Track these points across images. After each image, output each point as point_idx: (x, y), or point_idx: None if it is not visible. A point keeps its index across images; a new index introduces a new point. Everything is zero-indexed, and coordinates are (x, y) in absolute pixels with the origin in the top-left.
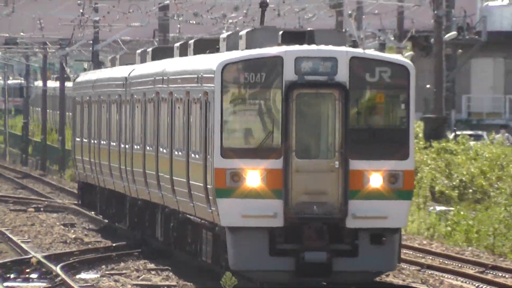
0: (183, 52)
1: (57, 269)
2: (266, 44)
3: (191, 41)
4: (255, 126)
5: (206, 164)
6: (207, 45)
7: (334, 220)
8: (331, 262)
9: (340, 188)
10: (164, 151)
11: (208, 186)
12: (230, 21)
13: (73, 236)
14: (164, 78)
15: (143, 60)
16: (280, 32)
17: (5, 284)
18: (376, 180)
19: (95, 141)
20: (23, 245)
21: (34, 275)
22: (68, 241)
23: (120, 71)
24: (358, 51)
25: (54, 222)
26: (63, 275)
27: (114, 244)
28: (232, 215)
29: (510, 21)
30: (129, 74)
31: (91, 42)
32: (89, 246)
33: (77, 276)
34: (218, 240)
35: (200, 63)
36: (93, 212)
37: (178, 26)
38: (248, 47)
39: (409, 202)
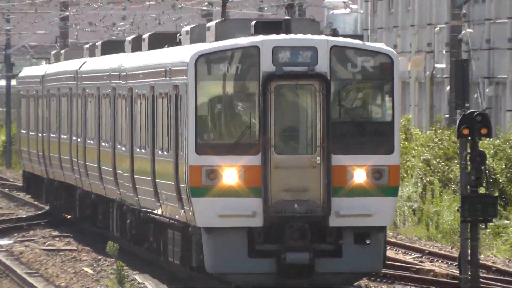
0: (136, 47)
1: None
2: (238, 35)
3: (146, 35)
4: (232, 120)
5: (177, 161)
6: (163, 40)
7: (317, 218)
8: (314, 263)
9: (323, 184)
10: (123, 148)
11: (181, 185)
12: (119, 28)
13: None
14: (122, 73)
15: (91, 54)
16: (253, 22)
17: None
18: (360, 176)
19: (44, 134)
20: None
21: None
22: None
23: (69, 65)
24: (339, 39)
25: None
26: None
27: (25, 215)
28: (209, 215)
29: (351, 27)
30: (80, 67)
31: (3, 47)
32: (4, 217)
33: None
34: (190, 241)
35: (168, 56)
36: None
37: (76, 33)
38: (218, 39)
39: (395, 199)
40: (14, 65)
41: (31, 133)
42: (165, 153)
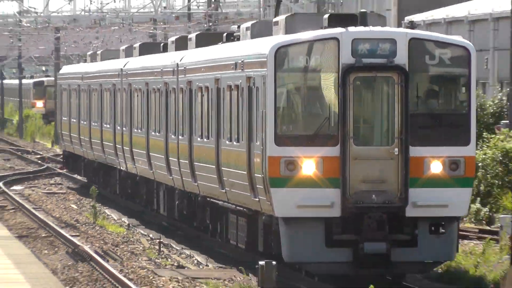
0: (181, 46)
1: (1, 184)
2: (307, 29)
3: (192, 35)
4: (310, 112)
5: (251, 151)
6: (210, 38)
7: (394, 209)
8: (390, 252)
9: (400, 176)
10: (181, 137)
11: (256, 175)
12: (94, 45)
13: (9, 165)
14: (180, 68)
15: (129, 55)
16: (326, 15)
17: None
18: (436, 167)
19: (85, 122)
20: None
21: None
22: (5, 169)
23: (112, 64)
24: (418, 32)
25: (3, 160)
26: (3, 187)
27: (32, 169)
28: (287, 205)
29: None
30: (124, 66)
31: (17, 57)
32: (17, 171)
33: (11, 188)
34: (257, 228)
35: (238, 49)
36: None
37: (65, 48)
38: (287, 32)
39: (470, 189)
40: (24, 69)
41: (72, 120)
42: (234, 143)
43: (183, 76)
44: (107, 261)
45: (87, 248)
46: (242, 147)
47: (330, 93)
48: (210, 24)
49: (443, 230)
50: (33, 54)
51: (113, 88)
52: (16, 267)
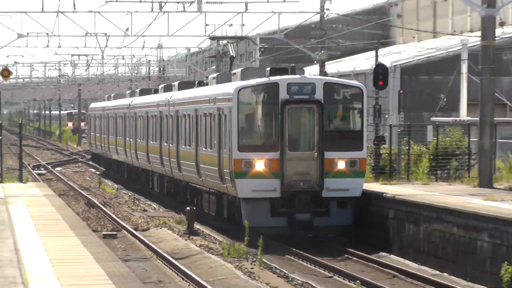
0: (168, 89)
1: (49, 167)
2: (256, 77)
3: (175, 83)
4: (260, 130)
5: (220, 155)
6: (186, 85)
7: (314, 192)
8: (312, 220)
9: (318, 170)
10: (171, 145)
11: (225, 170)
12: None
13: (53, 156)
14: (170, 103)
15: (132, 95)
16: (268, 68)
17: (34, 171)
18: (341, 165)
19: (104, 135)
20: (38, 158)
21: (43, 169)
22: (51, 159)
23: (123, 101)
24: (329, 78)
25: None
26: (50, 168)
27: (66, 159)
28: (246, 190)
29: None
30: (131, 102)
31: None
32: (58, 160)
33: (55, 169)
34: (223, 203)
35: (213, 90)
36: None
37: (84, 94)
38: (243, 79)
39: (363, 179)
40: (61, 106)
41: (97, 134)
42: (208, 149)
43: (172, 107)
44: (106, 207)
45: (95, 200)
46: (214, 152)
47: (273, 117)
48: (161, 81)
49: (346, 205)
50: (66, 98)
51: (123, 115)
52: (57, 211)
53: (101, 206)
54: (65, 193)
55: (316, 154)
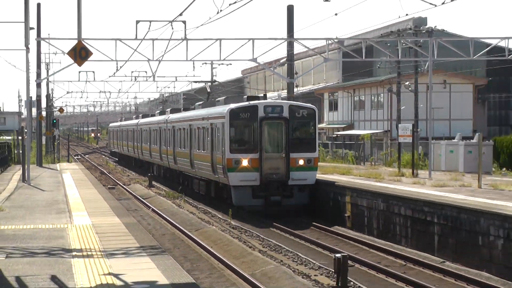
0: (162, 113)
1: (82, 155)
2: (235, 102)
3: (168, 110)
4: (245, 138)
5: (212, 155)
6: (176, 110)
7: (283, 181)
8: (281, 201)
9: (285, 166)
10: (169, 147)
11: (218, 165)
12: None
13: (84, 150)
14: (168, 121)
15: (137, 117)
16: (245, 96)
17: (75, 157)
18: (301, 162)
19: (120, 141)
20: (76, 150)
21: (79, 156)
22: (81, 151)
23: (132, 122)
24: (293, 102)
25: (83, 148)
26: (81, 155)
27: (90, 151)
28: (235, 180)
29: None
30: (138, 122)
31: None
32: (85, 152)
33: (85, 156)
34: (210, 186)
35: (205, 111)
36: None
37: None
38: (226, 103)
39: (316, 172)
40: (88, 125)
41: (115, 140)
42: (202, 151)
43: (170, 124)
44: (110, 174)
45: (104, 171)
46: (207, 152)
47: (254, 130)
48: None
49: (304, 190)
50: (90, 122)
51: (133, 129)
52: (85, 176)
53: (107, 174)
54: (89, 168)
55: (284, 155)
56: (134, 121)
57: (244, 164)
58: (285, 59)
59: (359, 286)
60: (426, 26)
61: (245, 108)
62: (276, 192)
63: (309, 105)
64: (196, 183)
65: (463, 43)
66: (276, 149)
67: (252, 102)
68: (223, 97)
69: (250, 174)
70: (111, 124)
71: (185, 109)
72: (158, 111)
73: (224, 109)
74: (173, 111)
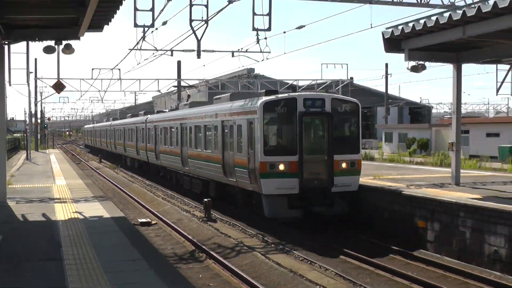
0: (148, 113)
1: (62, 144)
2: (245, 99)
3: (157, 111)
4: (282, 137)
5: (249, 158)
6: (198, 104)
7: (326, 188)
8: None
9: (328, 170)
10: (150, 144)
11: (240, 169)
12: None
13: (63, 142)
14: (148, 121)
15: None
16: (263, 90)
17: (57, 146)
18: (344, 165)
19: (107, 139)
20: (60, 142)
21: (59, 145)
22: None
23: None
24: (335, 94)
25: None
26: (62, 145)
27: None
28: (270, 188)
29: None
30: (111, 122)
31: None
32: (65, 142)
33: (63, 145)
34: (254, 198)
35: (218, 107)
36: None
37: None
38: (232, 100)
39: (359, 176)
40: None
41: (91, 137)
42: (238, 152)
43: (150, 124)
44: (77, 156)
45: (74, 153)
46: (215, 153)
47: (292, 127)
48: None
49: (345, 197)
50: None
51: (106, 129)
52: (62, 157)
53: (76, 155)
54: (65, 152)
55: (326, 157)
56: (107, 123)
57: (281, 168)
58: (176, 90)
59: None
60: (254, 73)
61: (282, 101)
62: (318, 201)
63: (352, 98)
64: (187, 180)
65: (274, 83)
66: (318, 150)
67: (291, 94)
68: (229, 94)
69: (288, 180)
70: (85, 126)
71: (159, 112)
72: (130, 114)
73: (255, 102)
74: (147, 113)
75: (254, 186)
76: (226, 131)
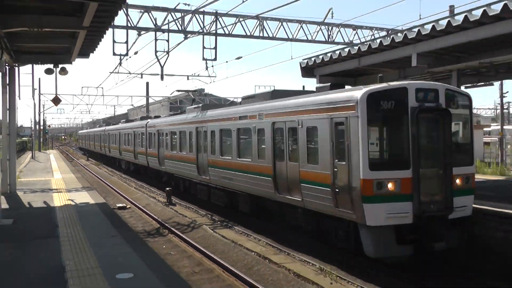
0: (147, 118)
1: (59, 146)
2: (287, 96)
3: (164, 115)
4: (391, 143)
5: (336, 173)
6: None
7: (445, 215)
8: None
9: (446, 190)
10: (153, 149)
11: (308, 185)
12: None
13: (60, 144)
14: (148, 126)
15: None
16: (328, 84)
17: (55, 147)
18: (459, 181)
19: (101, 143)
20: (57, 144)
21: (57, 146)
22: (60, 145)
23: (117, 126)
24: (447, 85)
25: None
26: (59, 146)
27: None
28: (379, 217)
29: None
30: (104, 126)
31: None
32: (62, 145)
33: (59, 147)
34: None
35: (332, 97)
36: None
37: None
38: (273, 98)
39: (473, 196)
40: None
41: (86, 141)
42: (316, 165)
43: (150, 127)
44: (70, 156)
45: (68, 153)
46: (263, 163)
47: (403, 129)
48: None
49: (455, 225)
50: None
51: (100, 134)
52: (59, 156)
53: (69, 155)
54: (62, 152)
55: (441, 170)
56: (101, 129)
57: (390, 188)
58: (145, 104)
59: None
60: (204, 92)
61: (391, 92)
62: (435, 233)
63: (464, 90)
64: (203, 190)
65: (219, 99)
66: (432, 161)
67: (400, 83)
68: (271, 90)
69: (399, 205)
70: (80, 131)
71: (156, 116)
72: (124, 120)
73: (351, 95)
74: (143, 118)
75: (343, 212)
76: (279, 135)
